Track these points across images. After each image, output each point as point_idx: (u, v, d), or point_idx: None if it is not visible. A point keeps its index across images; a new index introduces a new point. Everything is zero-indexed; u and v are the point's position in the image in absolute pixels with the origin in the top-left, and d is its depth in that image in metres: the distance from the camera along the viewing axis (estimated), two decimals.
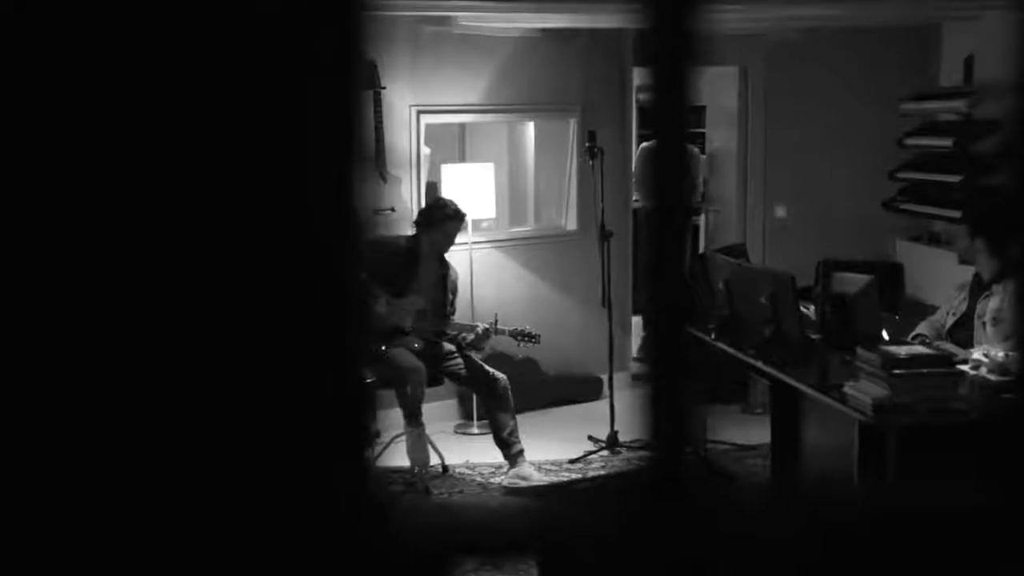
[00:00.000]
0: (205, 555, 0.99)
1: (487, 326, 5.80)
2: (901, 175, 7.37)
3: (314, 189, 0.98)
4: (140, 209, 0.97)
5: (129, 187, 0.97)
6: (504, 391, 5.67)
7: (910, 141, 7.29)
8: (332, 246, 0.98)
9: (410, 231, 5.99)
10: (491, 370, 5.76)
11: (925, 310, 5.60)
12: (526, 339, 5.83)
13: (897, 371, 3.89)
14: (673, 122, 0.94)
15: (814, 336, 4.54)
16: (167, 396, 0.98)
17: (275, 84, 0.99)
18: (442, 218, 5.75)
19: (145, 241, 0.97)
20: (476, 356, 5.95)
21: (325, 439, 1.01)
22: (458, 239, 6.52)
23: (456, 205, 5.89)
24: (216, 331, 0.98)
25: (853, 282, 4.47)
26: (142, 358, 0.97)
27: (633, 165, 7.51)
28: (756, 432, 5.85)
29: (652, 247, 0.97)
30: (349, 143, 0.99)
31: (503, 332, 5.81)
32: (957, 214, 6.12)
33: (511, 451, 5.65)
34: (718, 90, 8.33)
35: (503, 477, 5.68)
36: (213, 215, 0.98)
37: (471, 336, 5.80)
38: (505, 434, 5.65)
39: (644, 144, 7.64)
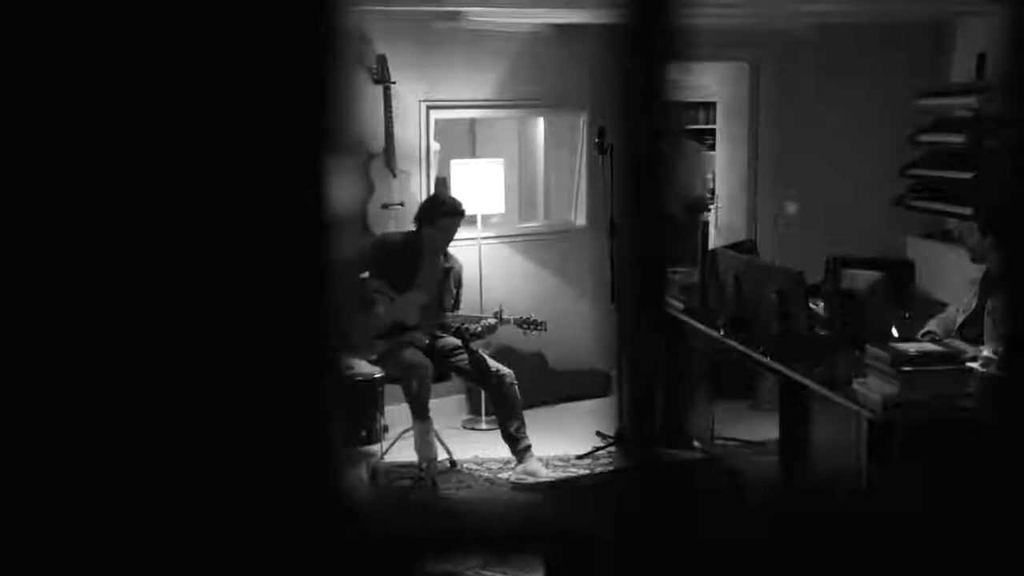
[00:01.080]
0: (177, 554, 0.99)
1: (492, 318, 5.79)
2: (913, 172, 7.34)
3: (284, 181, 0.97)
4: (103, 206, 0.96)
5: (93, 183, 0.96)
6: (511, 387, 5.67)
7: (922, 138, 7.26)
8: (303, 240, 0.97)
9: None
10: (498, 366, 5.76)
11: (936, 307, 5.58)
12: (532, 327, 5.81)
13: (906, 368, 3.87)
14: (651, 121, 0.92)
15: (823, 333, 4.52)
16: (128, 395, 0.97)
17: (245, 73, 0.97)
18: (440, 214, 5.75)
19: (108, 239, 0.96)
20: (484, 351, 5.95)
21: (295, 439, 1.00)
22: (467, 234, 6.53)
23: (455, 201, 5.89)
24: (184, 328, 0.97)
25: (862, 279, 4.45)
26: (105, 358, 0.96)
27: None
28: (765, 428, 5.83)
29: (632, 250, 0.96)
30: (323, 133, 0.97)
31: (508, 321, 5.80)
32: (969, 211, 6.09)
33: (518, 447, 5.65)
34: (728, 86, 8.30)
35: (511, 473, 5.68)
36: (182, 209, 0.97)
37: (477, 327, 5.80)
38: (512, 429, 5.64)
39: None
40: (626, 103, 0.96)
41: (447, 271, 5.86)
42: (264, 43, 0.97)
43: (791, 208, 7.75)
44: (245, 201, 0.97)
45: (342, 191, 1.01)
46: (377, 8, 6.18)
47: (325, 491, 0.99)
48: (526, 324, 5.83)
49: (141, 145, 0.96)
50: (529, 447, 5.66)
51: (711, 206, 7.79)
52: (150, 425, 0.97)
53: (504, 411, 5.68)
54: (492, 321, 5.78)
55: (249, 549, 1.00)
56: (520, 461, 5.65)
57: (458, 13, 6.40)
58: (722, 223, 8.26)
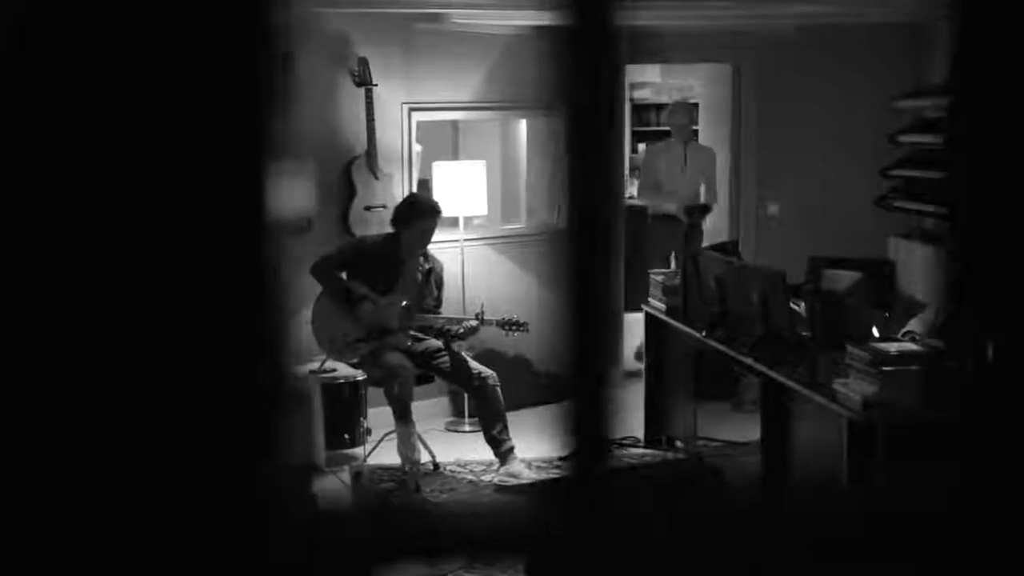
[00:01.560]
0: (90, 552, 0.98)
1: (474, 319, 5.77)
2: (893, 172, 7.37)
3: (217, 183, 0.95)
4: (35, 208, 0.95)
5: (25, 186, 0.94)
6: (493, 389, 5.67)
7: (903, 138, 7.29)
8: (240, 242, 0.96)
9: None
10: (481, 367, 5.75)
11: (917, 307, 5.59)
12: (514, 327, 5.80)
13: (886, 368, 3.89)
14: (593, 124, 0.92)
15: (805, 333, 4.53)
16: (60, 394, 0.96)
17: (178, 76, 0.96)
18: (417, 215, 5.73)
19: (40, 240, 0.95)
20: (467, 353, 5.94)
21: (230, 443, 0.99)
22: (450, 236, 6.52)
23: (432, 202, 5.88)
24: (118, 329, 0.96)
25: (843, 279, 4.47)
26: (38, 357, 0.95)
27: (627, 164, 7.52)
28: (747, 429, 5.84)
29: (575, 254, 0.96)
30: (260, 138, 0.96)
31: (491, 323, 5.79)
32: (946, 211, 6.11)
33: (501, 448, 5.64)
34: (711, 86, 8.32)
35: (494, 475, 5.67)
36: (114, 211, 0.95)
37: (460, 329, 5.78)
38: (495, 432, 5.64)
39: (648, 145, 7.65)
40: (568, 102, 0.95)
41: (428, 272, 5.85)
42: (195, 43, 0.95)
43: (772, 209, 7.77)
44: (178, 203, 0.96)
45: (284, 193, 1.00)
46: (358, 10, 6.17)
47: (262, 495, 0.98)
48: (508, 325, 5.82)
49: (71, 147, 0.95)
50: (512, 449, 5.66)
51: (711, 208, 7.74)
52: (81, 423, 0.96)
53: (487, 413, 5.68)
54: (473, 323, 5.77)
55: (175, 551, 0.99)
56: (503, 463, 5.65)
57: (440, 15, 6.40)
58: (705, 224, 8.28)
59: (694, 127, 8.03)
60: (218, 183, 0.96)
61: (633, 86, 11.13)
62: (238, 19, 0.96)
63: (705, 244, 6.95)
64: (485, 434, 5.69)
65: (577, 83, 0.92)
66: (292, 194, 1.05)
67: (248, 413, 0.98)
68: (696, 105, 8.53)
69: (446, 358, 5.79)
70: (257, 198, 0.96)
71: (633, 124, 11.26)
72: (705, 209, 7.46)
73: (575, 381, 1.01)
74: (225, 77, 0.96)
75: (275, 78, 0.98)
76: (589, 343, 0.97)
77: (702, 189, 7.52)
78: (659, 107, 11.33)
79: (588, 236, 0.94)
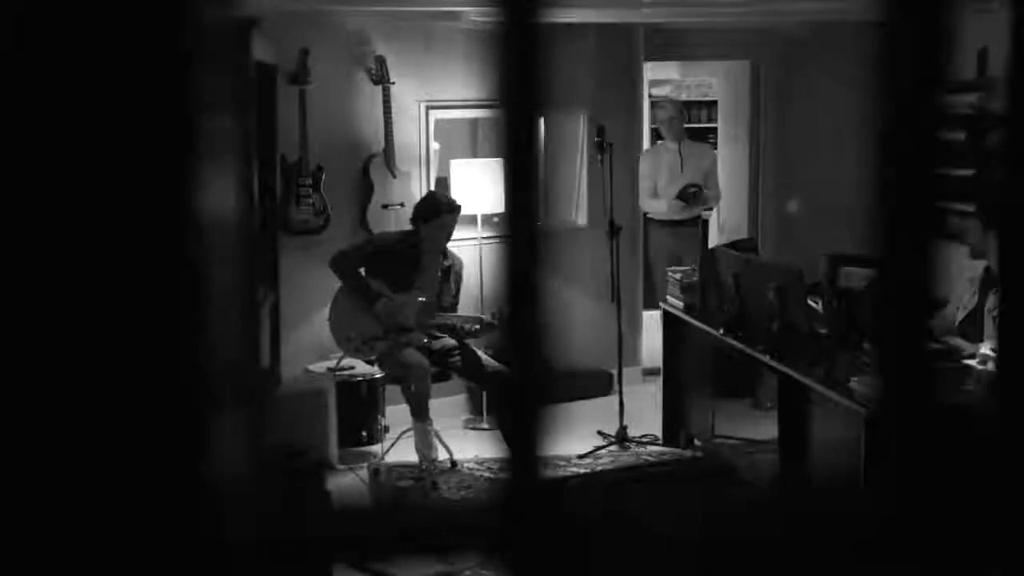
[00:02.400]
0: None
1: (491, 317, 5.79)
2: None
3: (142, 183, 0.94)
4: None
5: None
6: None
7: None
8: (165, 243, 0.95)
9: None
10: (497, 365, 5.75)
11: (940, 305, 5.56)
12: None
13: None
14: (522, 125, 0.91)
15: (822, 331, 4.52)
16: None
17: (103, 71, 0.95)
18: (437, 212, 5.74)
19: None
20: (485, 351, 5.94)
21: (153, 447, 0.98)
22: (468, 234, 6.53)
23: (451, 199, 5.89)
24: (37, 331, 0.95)
25: (860, 276, 4.44)
26: None
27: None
28: (766, 427, 5.81)
29: (509, 255, 0.95)
30: (187, 134, 0.95)
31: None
32: (970, 208, 6.07)
33: None
34: (729, 84, 8.30)
35: None
36: (35, 210, 0.94)
37: (475, 326, 5.79)
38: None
39: (643, 151, 7.54)
40: (502, 101, 0.94)
41: (447, 269, 5.87)
42: (122, 38, 0.94)
43: (792, 206, 7.74)
44: (101, 202, 0.95)
45: (218, 193, 0.99)
46: (376, 8, 6.18)
47: (189, 499, 0.97)
48: None
49: None
50: None
51: (712, 206, 7.68)
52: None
53: (502, 410, 5.68)
54: (488, 318, 5.79)
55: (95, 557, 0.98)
56: None
57: (457, 13, 6.40)
58: (724, 222, 8.25)
59: (712, 124, 7.98)
60: (137, 180, 0.95)
61: (652, 83, 11.10)
62: (157, 16, 0.94)
63: (723, 242, 6.93)
64: (501, 431, 5.69)
65: (508, 81, 0.91)
66: (229, 192, 1.04)
67: (168, 414, 0.97)
68: (714, 103, 8.50)
69: (460, 356, 5.79)
70: (181, 196, 0.94)
71: (652, 121, 11.22)
72: (698, 194, 7.17)
73: (515, 389, 1.00)
74: (147, 73, 0.94)
75: (204, 74, 0.96)
76: (525, 349, 0.96)
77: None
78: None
79: (521, 240, 0.93)
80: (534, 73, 0.92)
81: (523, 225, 0.92)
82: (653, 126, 11.29)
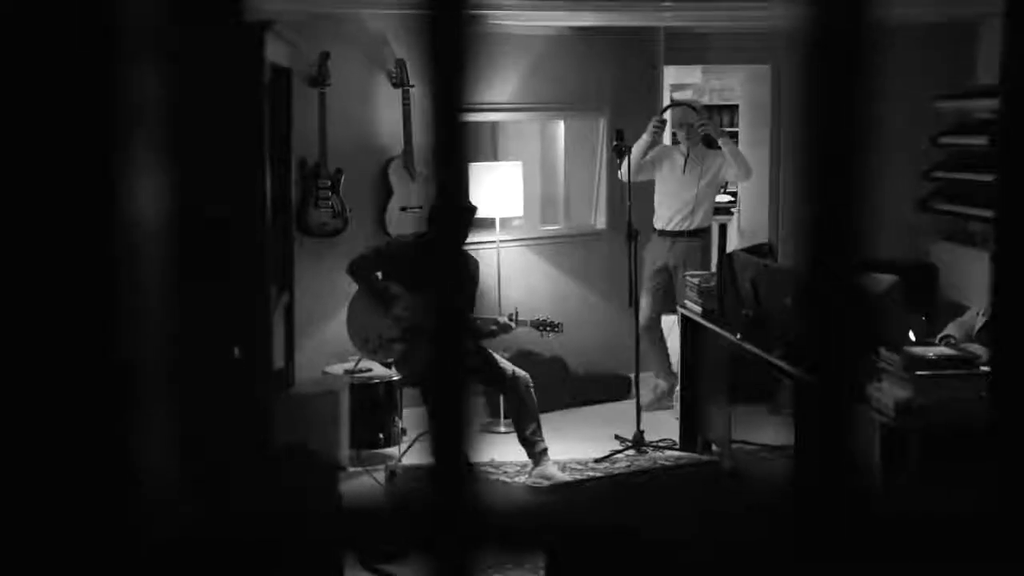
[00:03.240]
0: None
1: (507, 319, 5.80)
2: (936, 174, 7.29)
3: (57, 178, 0.93)
4: None
5: None
6: (527, 390, 5.66)
7: (945, 140, 7.20)
8: (80, 241, 0.94)
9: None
10: (514, 368, 5.75)
11: (959, 311, 5.53)
12: (548, 328, 5.82)
13: (920, 372, 3.84)
14: (451, 123, 0.90)
15: None
16: None
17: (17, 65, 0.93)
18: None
19: None
20: (502, 355, 5.94)
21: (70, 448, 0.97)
22: (486, 237, 6.53)
23: (468, 201, 5.89)
24: None
25: (878, 282, 4.42)
26: None
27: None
28: (784, 433, 5.79)
29: (432, 256, 0.95)
30: (108, 130, 0.94)
31: (524, 323, 5.81)
32: (992, 214, 6.03)
33: (534, 450, 5.64)
34: (751, 88, 8.27)
35: (527, 476, 5.67)
36: None
37: (492, 328, 5.80)
38: (528, 433, 5.64)
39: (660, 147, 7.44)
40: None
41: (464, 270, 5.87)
42: (39, 33, 0.93)
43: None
44: (17, 200, 0.94)
45: (137, 190, 0.98)
46: (396, 12, 6.20)
47: (116, 498, 0.97)
48: (542, 326, 5.83)
49: None
50: (545, 450, 5.66)
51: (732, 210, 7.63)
52: None
53: (519, 414, 5.68)
54: (505, 322, 5.80)
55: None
56: (536, 464, 5.64)
57: (477, 16, 6.40)
58: (745, 226, 8.23)
59: (734, 129, 7.93)
60: (56, 177, 0.94)
61: (674, 87, 11.09)
62: (75, 16, 0.93)
63: (743, 244, 6.90)
64: (519, 435, 5.69)
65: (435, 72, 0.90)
66: (154, 189, 1.03)
67: (86, 411, 0.97)
68: (736, 107, 8.47)
69: (477, 359, 5.79)
70: (102, 194, 0.94)
71: (673, 125, 11.20)
72: (690, 128, 6.67)
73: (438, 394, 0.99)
74: (70, 70, 0.93)
75: (128, 73, 0.95)
76: (447, 355, 0.96)
77: (697, 207, 6.70)
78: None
79: (444, 244, 0.93)
80: (454, 62, 0.91)
81: (449, 202, 0.91)
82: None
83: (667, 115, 6.87)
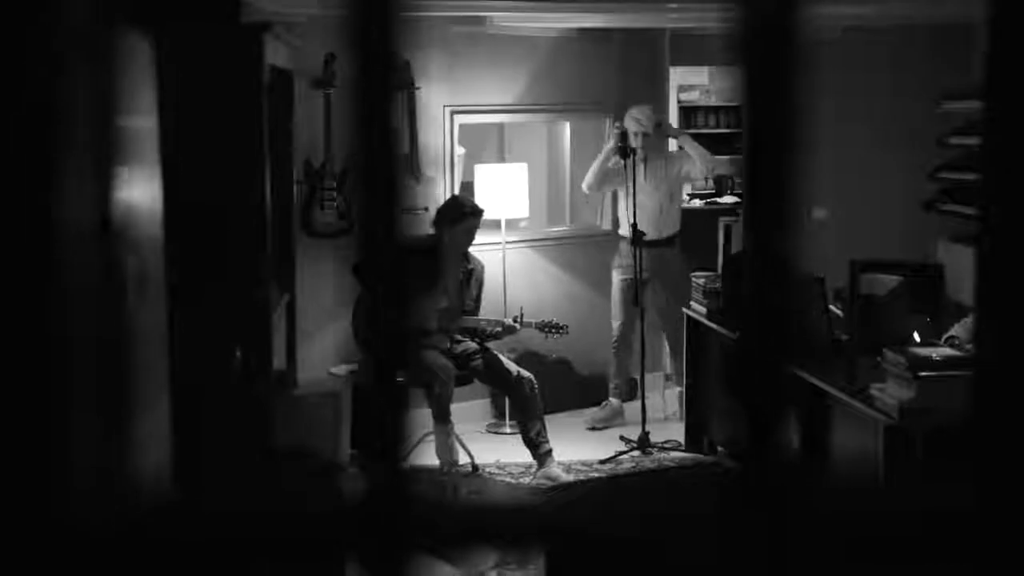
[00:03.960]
0: None
1: (512, 320, 5.81)
2: (942, 175, 7.27)
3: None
4: None
5: None
6: (532, 391, 5.66)
7: (952, 140, 7.19)
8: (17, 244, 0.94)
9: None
10: (519, 370, 5.75)
11: (965, 312, 5.51)
12: (553, 330, 5.83)
13: (923, 373, 3.83)
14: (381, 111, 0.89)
15: (844, 337, 4.49)
16: None
17: None
18: (459, 216, 5.77)
19: None
20: (508, 356, 5.95)
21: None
22: (492, 239, 6.53)
23: (473, 202, 5.91)
24: None
25: (882, 283, 4.41)
26: None
27: None
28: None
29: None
30: (49, 134, 0.94)
31: (529, 325, 5.82)
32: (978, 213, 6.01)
33: (539, 451, 5.64)
34: None
35: (531, 477, 5.67)
36: None
37: (497, 329, 5.81)
38: (532, 434, 5.64)
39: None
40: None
41: (468, 273, 5.89)
42: None
43: (819, 213, 7.69)
44: None
45: (75, 193, 0.98)
46: (400, 13, 6.19)
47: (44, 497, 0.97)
48: (547, 328, 5.84)
49: None
50: (550, 452, 5.66)
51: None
52: None
53: (524, 416, 5.68)
54: (510, 324, 5.80)
55: None
56: (540, 466, 5.64)
57: (481, 18, 6.41)
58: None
59: (739, 130, 7.86)
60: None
61: (681, 88, 11.07)
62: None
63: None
64: (523, 436, 5.69)
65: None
66: (87, 193, 1.03)
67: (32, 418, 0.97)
68: (738, 108, 8.43)
69: (482, 360, 5.80)
70: (37, 198, 0.94)
71: (680, 126, 11.19)
72: (659, 125, 6.56)
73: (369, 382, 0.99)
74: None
75: (59, 76, 0.95)
76: (384, 353, 0.95)
77: (663, 214, 6.59)
78: (707, 109, 11.26)
79: (382, 232, 0.92)
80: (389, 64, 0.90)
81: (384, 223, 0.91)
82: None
83: (627, 120, 6.55)
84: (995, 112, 1.17)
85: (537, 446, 5.64)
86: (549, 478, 5.58)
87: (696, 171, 6.70)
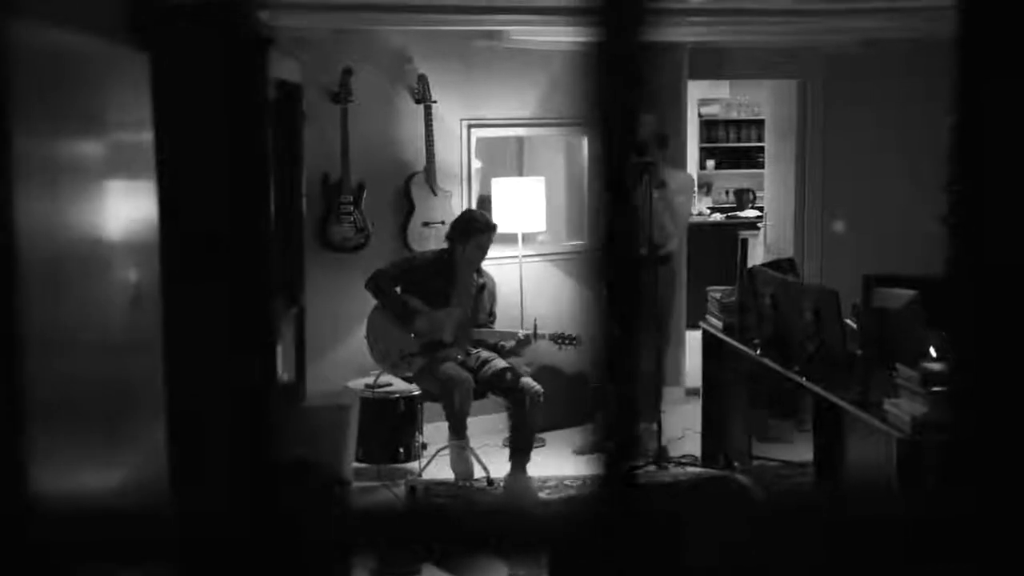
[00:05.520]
0: None
1: (527, 332, 5.82)
2: (956, 188, 7.22)
3: None
4: None
5: None
6: (534, 400, 5.66)
7: None
8: None
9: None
10: (526, 379, 5.75)
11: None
12: (565, 341, 5.82)
13: (936, 388, 3.80)
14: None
15: (858, 352, 4.46)
16: None
17: None
18: (473, 231, 5.79)
19: None
20: (525, 369, 5.94)
21: None
22: (509, 252, 6.54)
23: (487, 217, 5.93)
24: None
25: (896, 297, 4.38)
26: None
27: (696, 180, 7.37)
28: (805, 449, 5.75)
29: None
30: None
31: (543, 336, 5.82)
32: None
33: (516, 458, 5.69)
34: (777, 102, 8.25)
35: (500, 481, 5.70)
36: None
37: (511, 342, 5.82)
38: (518, 441, 5.69)
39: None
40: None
41: (481, 287, 5.90)
42: None
43: (838, 225, 7.66)
44: None
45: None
46: (418, 28, 6.23)
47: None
48: (560, 339, 5.84)
49: None
50: (525, 463, 5.71)
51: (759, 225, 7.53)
52: None
53: (518, 421, 5.72)
54: (523, 335, 5.82)
55: None
56: (512, 471, 5.68)
57: (499, 32, 6.43)
58: (770, 240, 8.19)
59: (760, 144, 7.88)
60: None
61: (702, 102, 11.07)
62: None
63: (767, 260, 6.86)
64: (510, 440, 5.75)
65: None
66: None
67: None
68: (761, 122, 8.44)
69: (491, 368, 5.80)
70: None
71: (701, 140, 11.20)
72: (663, 140, 6.44)
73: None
74: None
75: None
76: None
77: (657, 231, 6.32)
78: (728, 123, 11.26)
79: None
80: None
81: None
82: (702, 145, 11.29)
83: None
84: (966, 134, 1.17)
85: (517, 453, 5.68)
86: (514, 488, 5.59)
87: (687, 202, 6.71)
